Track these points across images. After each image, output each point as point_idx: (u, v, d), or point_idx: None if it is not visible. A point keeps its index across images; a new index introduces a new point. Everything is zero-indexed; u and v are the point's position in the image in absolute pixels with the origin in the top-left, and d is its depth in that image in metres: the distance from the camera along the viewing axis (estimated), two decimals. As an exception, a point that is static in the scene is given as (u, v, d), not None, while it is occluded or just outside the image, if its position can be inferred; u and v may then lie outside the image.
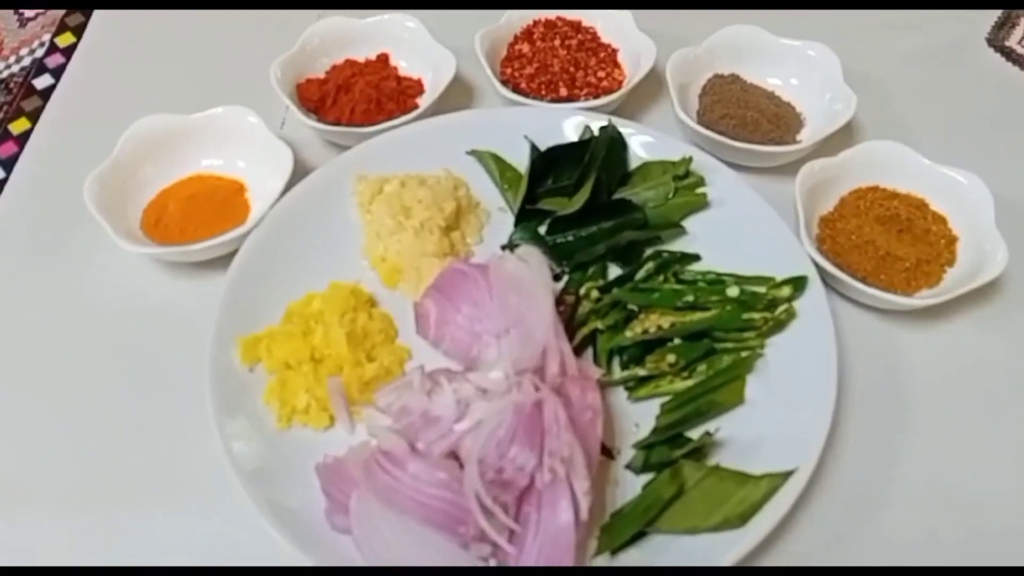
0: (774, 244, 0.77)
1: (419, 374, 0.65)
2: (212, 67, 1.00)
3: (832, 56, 0.90)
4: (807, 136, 0.88)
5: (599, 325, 0.74)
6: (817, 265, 0.75)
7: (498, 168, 0.85)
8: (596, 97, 0.89)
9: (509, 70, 0.94)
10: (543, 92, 0.91)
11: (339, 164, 0.83)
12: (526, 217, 0.82)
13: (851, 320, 0.77)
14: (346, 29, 0.95)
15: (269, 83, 0.88)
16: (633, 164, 0.84)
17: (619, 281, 0.77)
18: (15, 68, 1.02)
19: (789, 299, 0.73)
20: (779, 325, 0.73)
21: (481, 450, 0.59)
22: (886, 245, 0.78)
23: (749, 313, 0.73)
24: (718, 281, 0.75)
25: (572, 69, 0.93)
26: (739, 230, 0.79)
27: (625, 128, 0.84)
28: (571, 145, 0.84)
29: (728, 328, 0.72)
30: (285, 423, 0.69)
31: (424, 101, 0.91)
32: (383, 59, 0.96)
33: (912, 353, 0.76)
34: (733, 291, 0.74)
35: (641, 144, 0.85)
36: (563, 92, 0.91)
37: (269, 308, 0.74)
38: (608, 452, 0.68)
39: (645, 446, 0.68)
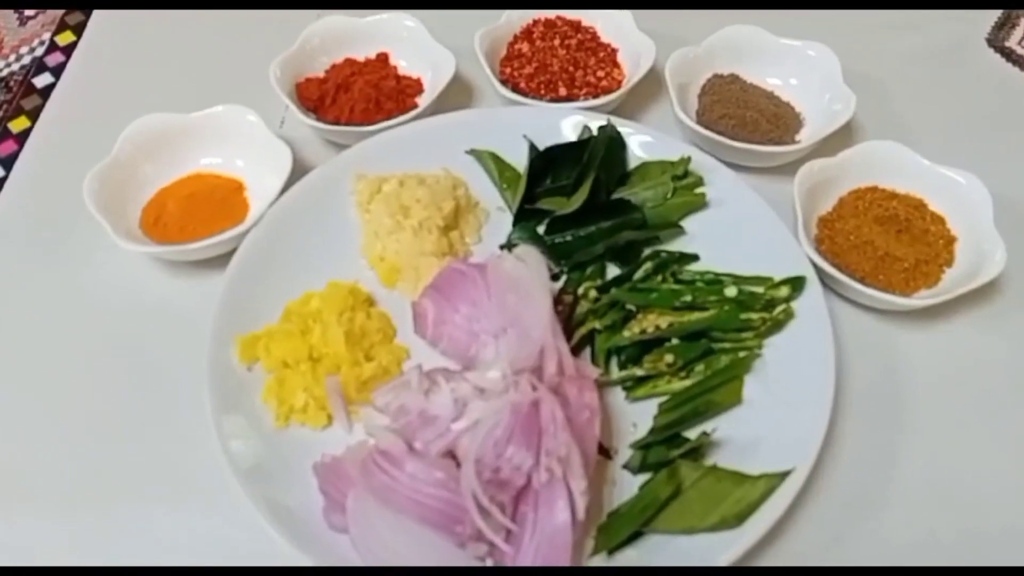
0: (772, 244, 0.77)
1: (417, 373, 0.65)
2: (212, 66, 1.00)
3: (832, 56, 0.90)
4: (806, 136, 0.88)
5: (597, 325, 0.74)
6: (815, 265, 0.75)
7: (497, 167, 0.85)
8: (595, 97, 0.89)
9: (508, 69, 0.94)
10: (542, 92, 0.91)
11: (338, 163, 0.83)
12: (525, 217, 0.82)
13: (849, 320, 0.77)
14: (345, 28, 0.95)
15: (268, 82, 0.88)
16: (632, 164, 0.84)
17: (617, 281, 0.77)
18: (15, 66, 1.02)
19: (787, 299, 0.73)
20: (777, 325, 0.73)
21: (478, 449, 0.59)
22: (885, 245, 0.78)
23: (747, 313, 0.73)
24: (716, 281, 0.75)
25: (571, 69, 0.93)
26: (738, 230, 0.79)
27: (624, 128, 0.84)
28: (570, 145, 0.84)
29: (726, 328, 0.72)
30: (283, 422, 0.69)
31: (423, 100, 0.91)
32: (382, 58, 0.96)
33: (910, 353, 0.76)
34: (731, 291, 0.74)
35: (640, 144, 0.85)
36: (562, 92, 0.91)
37: (267, 307, 0.74)
38: (606, 452, 0.68)
39: (643, 446, 0.68)
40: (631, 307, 0.74)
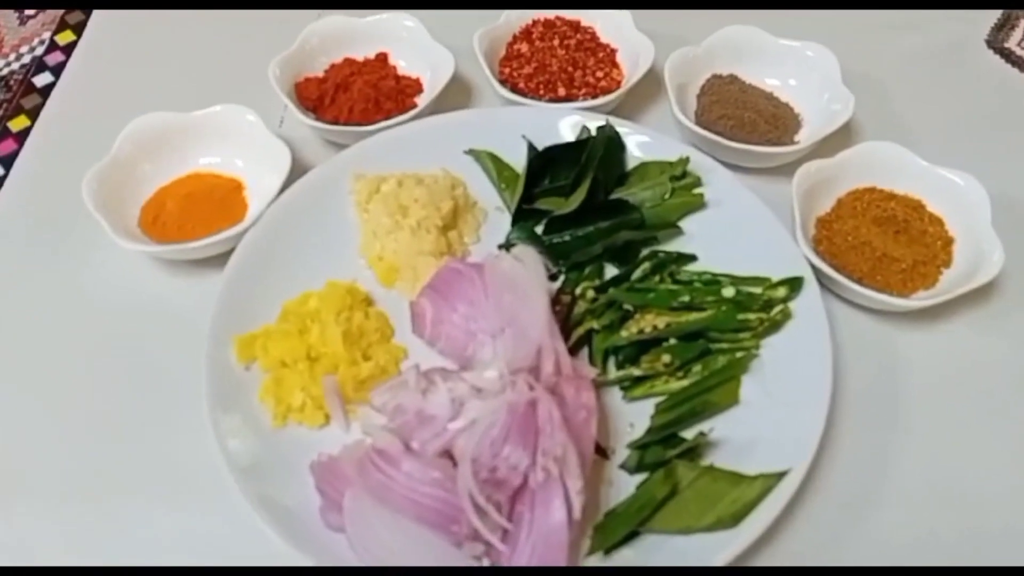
0: (770, 245, 0.77)
1: (414, 373, 0.65)
2: (211, 66, 1.00)
3: (830, 57, 0.90)
4: (805, 137, 0.88)
5: (595, 325, 0.74)
6: (813, 266, 0.75)
7: (495, 167, 0.85)
8: (594, 97, 0.89)
9: (507, 70, 0.94)
10: (541, 92, 0.91)
11: (337, 163, 0.83)
12: (523, 217, 0.82)
13: (847, 321, 0.77)
14: (345, 28, 0.95)
15: (268, 82, 0.88)
16: (630, 164, 0.84)
17: (615, 281, 0.77)
18: (15, 65, 1.02)
19: (785, 300, 0.73)
20: (775, 326, 0.73)
21: (475, 449, 0.59)
22: (883, 246, 0.78)
23: (745, 314, 0.73)
24: (714, 281, 0.75)
25: (570, 69, 0.93)
26: (736, 231, 0.79)
27: (622, 128, 0.84)
28: (568, 145, 0.84)
29: (723, 328, 0.72)
30: (280, 421, 0.69)
31: (422, 100, 0.91)
32: (382, 58, 0.96)
33: (908, 354, 0.76)
34: (729, 291, 0.74)
35: (638, 144, 0.85)
36: (561, 92, 0.91)
37: (265, 306, 0.74)
38: (603, 452, 0.68)
39: (640, 446, 0.68)
40: (629, 307, 0.74)
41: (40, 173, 0.91)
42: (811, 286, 0.74)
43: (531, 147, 0.83)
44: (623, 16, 0.95)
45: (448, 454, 0.62)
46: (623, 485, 0.67)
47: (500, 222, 0.83)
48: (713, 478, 0.64)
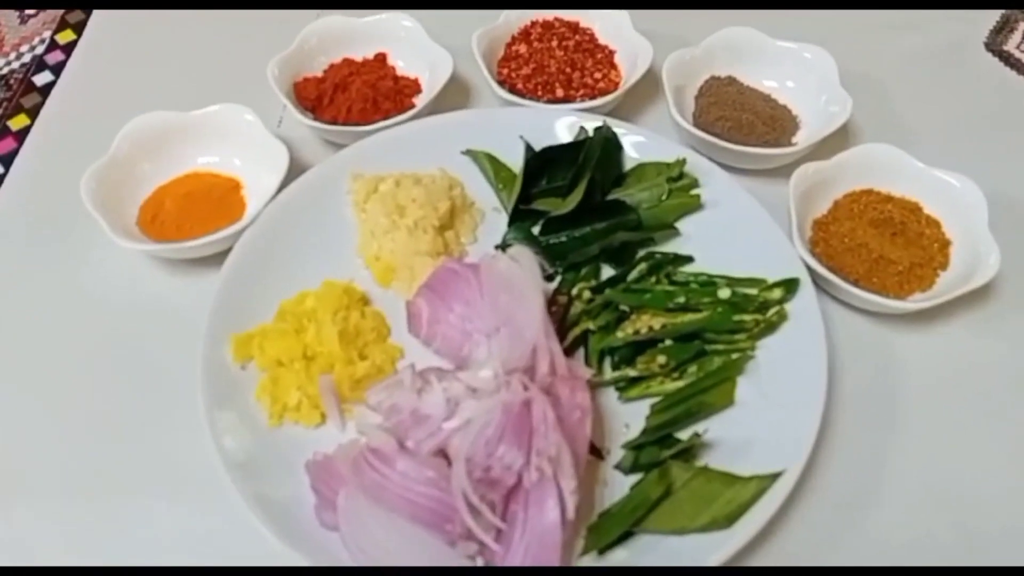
0: (767, 246, 0.77)
1: (410, 373, 0.66)
2: (210, 65, 1.00)
3: (828, 58, 0.90)
4: (803, 138, 0.88)
5: (591, 325, 0.74)
6: (809, 268, 0.75)
7: (493, 168, 0.85)
8: (592, 98, 0.89)
9: (506, 70, 0.94)
10: (539, 93, 0.91)
11: (335, 163, 0.83)
12: (520, 217, 0.82)
13: (843, 323, 0.77)
14: (344, 28, 0.96)
15: (267, 81, 0.88)
16: (628, 165, 0.84)
17: (611, 282, 0.77)
18: (15, 64, 1.02)
19: (781, 301, 0.74)
20: (770, 327, 0.73)
21: (469, 449, 0.60)
22: (879, 248, 0.78)
23: (740, 315, 0.73)
24: (710, 283, 0.76)
25: (569, 70, 0.93)
26: (732, 232, 0.79)
27: (620, 129, 0.85)
28: (566, 146, 0.84)
29: (719, 330, 0.73)
30: (276, 420, 0.70)
31: (421, 100, 0.91)
32: (380, 58, 0.96)
33: (904, 356, 0.76)
34: (725, 293, 0.74)
35: (636, 145, 0.85)
36: (559, 93, 0.91)
37: (262, 305, 0.75)
38: (598, 452, 0.68)
39: (635, 446, 0.68)
40: (625, 308, 0.74)
41: (39, 172, 0.91)
42: (807, 288, 0.74)
43: (528, 148, 0.84)
44: (622, 17, 0.95)
45: (443, 453, 0.62)
46: (618, 485, 0.67)
47: (497, 222, 0.83)
48: (708, 479, 0.64)
